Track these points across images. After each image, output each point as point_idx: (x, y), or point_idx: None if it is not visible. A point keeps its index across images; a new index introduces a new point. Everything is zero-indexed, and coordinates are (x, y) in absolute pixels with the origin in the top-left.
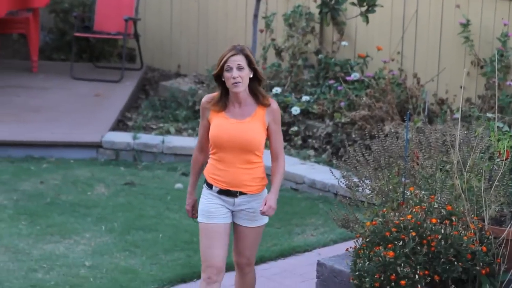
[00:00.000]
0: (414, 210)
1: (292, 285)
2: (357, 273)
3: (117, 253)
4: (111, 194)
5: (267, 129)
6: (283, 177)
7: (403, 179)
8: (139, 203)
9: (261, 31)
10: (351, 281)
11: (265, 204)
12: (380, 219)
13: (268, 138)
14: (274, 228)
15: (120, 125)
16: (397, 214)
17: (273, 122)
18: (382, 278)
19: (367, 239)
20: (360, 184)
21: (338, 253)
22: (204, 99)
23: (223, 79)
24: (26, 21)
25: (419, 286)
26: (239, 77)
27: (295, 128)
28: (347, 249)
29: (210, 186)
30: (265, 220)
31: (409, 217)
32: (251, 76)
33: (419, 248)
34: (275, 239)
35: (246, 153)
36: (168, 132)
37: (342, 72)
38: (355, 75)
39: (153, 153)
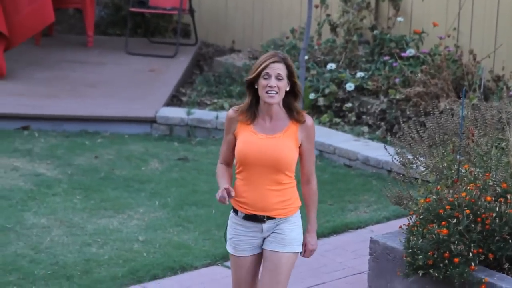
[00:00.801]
0: (468, 187)
1: (344, 262)
2: (410, 250)
3: (170, 228)
4: (164, 169)
5: (299, 148)
6: (317, 201)
7: (458, 157)
8: (192, 178)
9: (316, 6)
10: (404, 258)
11: (305, 248)
12: (434, 197)
13: (299, 157)
14: (326, 205)
15: (174, 100)
16: (451, 191)
17: (307, 141)
18: (435, 256)
19: (421, 217)
20: (414, 161)
21: (391, 230)
22: (230, 111)
23: (256, 87)
24: None
25: (472, 264)
26: (276, 87)
27: (349, 105)
28: (400, 227)
29: (236, 212)
30: (297, 248)
31: (463, 194)
32: (288, 89)
33: (473, 226)
34: (328, 216)
35: (275, 173)
36: (222, 108)
37: (397, 48)
38: (410, 51)
39: (207, 129)
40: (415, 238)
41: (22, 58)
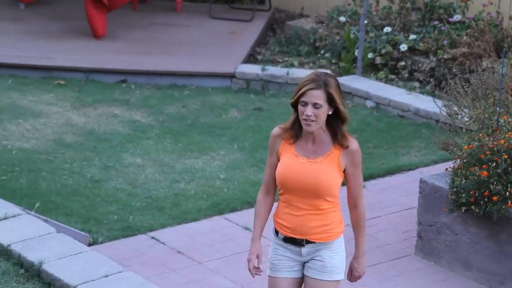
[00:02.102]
0: (507, 135)
1: (397, 199)
2: (454, 189)
3: (247, 168)
4: (242, 117)
5: (345, 172)
6: (365, 225)
7: (497, 109)
8: (266, 125)
9: None
10: (449, 196)
11: (351, 273)
12: (476, 143)
13: (346, 181)
14: (382, 150)
15: (251, 58)
16: (491, 139)
17: (351, 165)
18: (476, 195)
19: (464, 160)
20: (459, 113)
21: (438, 172)
22: (274, 129)
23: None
24: None
25: (509, 201)
26: (312, 115)
27: (402, 63)
28: (446, 169)
29: (277, 232)
30: (338, 276)
31: (502, 142)
32: (330, 113)
33: (510, 169)
34: (383, 159)
35: (315, 198)
36: (292, 65)
37: (445, 14)
38: (457, 17)
39: (279, 83)
40: (459, 179)
41: (120, 21)
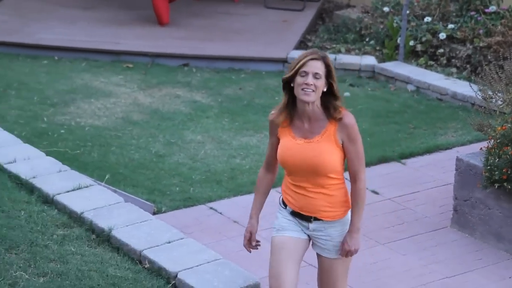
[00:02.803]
0: None
1: (434, 175)
2: (488, 167)
3: None
4: None
5: (343, 147)
6: (364, 206)
7: None
8: None
9: None
10: (483, 173)
11: (342, 247)
12: (509, 125)
13: (346, 156)
14: (422, 130)
15: (301, 45)
16: None
17: (348, 140)
18: (509, 172)
19: (498, 141)
20: (493, 96)
21: (473, 151)
22: (270, 115)
23: (292, 85)
24: None
25: None
26: (313, 85)
27: (441, 50)
28: (481, 148)
29: (285, 205)
30: None
31: None
32: (325, 89)
33: None
34: (422, 138)
35: (318, 177)
36: (339, 51)
37: (481, 5)
38: (492, 8)
39: None
40: (492, 158)
41: (183, 9)
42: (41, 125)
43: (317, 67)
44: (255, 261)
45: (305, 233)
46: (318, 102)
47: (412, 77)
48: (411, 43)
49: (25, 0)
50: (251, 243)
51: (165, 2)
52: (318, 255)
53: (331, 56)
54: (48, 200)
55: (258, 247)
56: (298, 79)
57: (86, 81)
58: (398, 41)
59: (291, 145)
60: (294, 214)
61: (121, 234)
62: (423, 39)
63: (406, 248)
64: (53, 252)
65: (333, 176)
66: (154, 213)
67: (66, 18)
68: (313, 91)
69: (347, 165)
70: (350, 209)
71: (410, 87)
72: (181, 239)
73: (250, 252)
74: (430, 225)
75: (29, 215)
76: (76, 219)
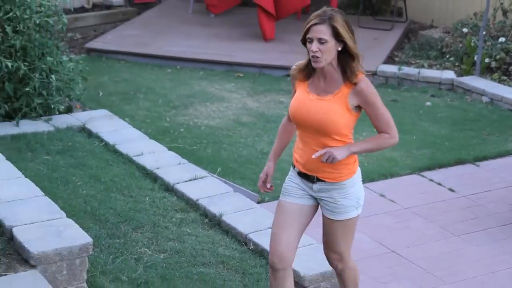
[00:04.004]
0: None
1: (505, 177)
2: None
3: None
4: None
5: (365, 110)
6: (378, 147)
7: None
8: (400, 113)
9: None
10: None
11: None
12: None
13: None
14: (494, 136)
15: (389, 59)
16: None
17: (365, 105)
18: None
19: None
20: None
21: None
22: (293, 67)
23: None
24: None
25: None
26: (318, 51)
27: None
28: None
29: (294, 165)
30: (352, 213)
31: None
32: (340, 49)
33: None
34: (494, 144)
35: (322, 136)
36: (422, 66)
37: None
38: None
39: (411, 80)
40: None
41: (287, 27)
42: (164, 124)
43: (321, 31)
44: None
45: (311, 196)
46: (334, 63)
47: (486, 90)
48: (487, 60)
49: (154, 17)
50: (265, 184)
51: (270, 20)
52: (323, 216)
53: (414, 71)
54: (169, 188)
55: (271, 190)
56: (307, 45)
57: (203, 88)
58: (475, 58)
59: (303, 99)
60: (300, 174)
61: (230, 219)
62: (497, 57)
63: (479, 240)
64: (172, 233)
65: (337, 138)
66: (258, 202)
67: (188, 33)
68: (320, 57)
69: (374, 127)
70: (354, 174)
71: (485, 99)
72: None
73: (263, 193)
74: (500, 220)
75: (153, 200)
76: (192, 205)
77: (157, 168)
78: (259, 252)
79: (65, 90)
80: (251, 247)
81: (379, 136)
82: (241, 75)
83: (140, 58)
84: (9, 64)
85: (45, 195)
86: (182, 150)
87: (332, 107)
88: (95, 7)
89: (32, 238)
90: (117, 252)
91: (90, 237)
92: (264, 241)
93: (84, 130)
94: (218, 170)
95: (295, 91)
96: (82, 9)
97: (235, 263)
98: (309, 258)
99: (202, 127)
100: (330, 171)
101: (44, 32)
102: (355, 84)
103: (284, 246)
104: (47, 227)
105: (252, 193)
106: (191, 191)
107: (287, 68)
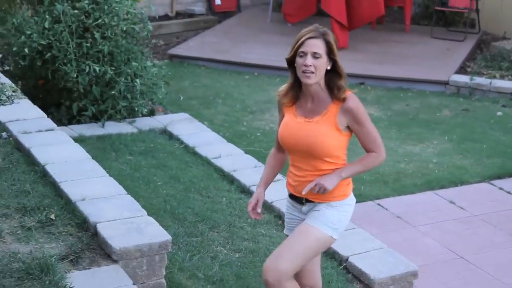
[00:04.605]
0: None
1: None
2: None
3: (454, 155)
4: (452, 116)
5: (352, 129)
6: (366, 169)
7: None
8: (471, 123)
9: None
10: None
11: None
12: None
13: (358, 138)
14: None
15: (461, 70)
16: None
17: (354, 123)
18: None
19: None
20: None
21: None
22: (278, 94)
23: (295, 65)
24: None
25: None
26: (312, 66)
27: None
28: None
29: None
30: (329, 230)
31: None
32: (329, 68)
33: None
34: None
35: (312, 158)
36: (494, 77)
37: None
38: None
39: (483, 90)
40: None
41: (361, 37)
42: (241, 128)
43: (316, 45)
44: (415, 251)
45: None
46: (322, 82)
47: None
48: None
49: (234, 25)
50: (255, 210)
51: (343, 30)
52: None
53: (486, 81)
54: (245, 190)
55: (260, 218)
56: (298, 60)
57: None
58: None
59: (291, 123)
60: (291, 197)
61: None
62: None
63: None
64: (247, 233)
65: (329, 160)
66: None
67: (265, 41)
68: (313, 72)
69: (361, 145)
70: (346, 197)
71: None
72: (353, 228)
73: (252, 218)
74: None
75: (229, 201)
76: (267, 206)
77: (234, 171)
78: (330, 254)
79: (148, 94)
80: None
81: (367, 156)
82: None
83: (219, 65)
84: (97, 69)
85: (128, 194)
86: (258, 154)
87: (321, 129)
88: (178, 15)
89: (114, 235)
90: (194, 250)
91: (169, 235)
92: (336, 243)
93: (165, 132)
94: None
95: (283, 116)
96: (166, 17)
97: None
98: (378, 261)
99: None
100: (321, 194)
101: (130, 39)
102: (344, 100)
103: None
104: (129, 224)
105: None
106: (266, 192)
107: (361, 76)
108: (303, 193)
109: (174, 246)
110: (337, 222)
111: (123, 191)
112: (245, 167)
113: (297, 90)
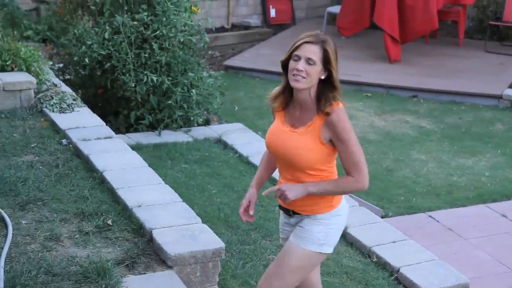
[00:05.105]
0: None
1: None
2: None
3: (507, 169)
4: (505, 129)
5: (336, 146)
6: (341, 189)
7: None
8: None
9: None
10: None
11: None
12: None
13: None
14: None
15: None
16: None
17: (336, 139)
18: None
19: None
20: None
21: None
22: (269, 96)
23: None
24: (457, 13)
25: None
26: (304, 71)
27: None
28: None
29: None
30: (313, 247)
31: None
32: (323, 77)
33: None
34: None
35: (295, 170)
36: None
37: None
38: None
39: None
40: None
41: (414, 50)
42: None
43: (312, 51)
44: (466, 263)
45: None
46: (313, 91)
47: None
48: None
49: (289, 38)
50: (248, 211)
51: (395, 43)
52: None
53: None
54: None
55: (253, 219)
56: (291, 63)
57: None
58: None
59: (277, 130)
60: (280, 208)
61: (355, 231)
62: None
63: None
64: None
65: (311, 173)
66: (382, 217)
67: None
68: (304, 77)
69: (342, 166)
70: (334, 209)
71: None
72: (404, 240)
73: (244, 221)
74: None
75: None
76: None
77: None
78: (382, 265)
79: (204, 104)
80: (374, 259)
81: (343, 178)
82: (369, 94)
83: (274, 76)
84: (154, 79)
85: (183, 201)
86: None
87: (303, 141)
88: (234, 27)
89: (169, 241)
90: (247, 257)
91: (223, 242)
92: (387, 254)
93: (220, 142)
94: None
95: (274, 119)
96: (222, 29)
97: (358, 274)
98: (430, 273)
99: None
100: (305, 205)
101: (187, 50)
102: (327, 114)
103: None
104: (184, 231)
105: (376, 207)
106: None
107: (413, 90)
108: (263, 193)
109: (228, 254)
110: (324, 238)
111: (178, 198)
112: None
113: (288, 95)
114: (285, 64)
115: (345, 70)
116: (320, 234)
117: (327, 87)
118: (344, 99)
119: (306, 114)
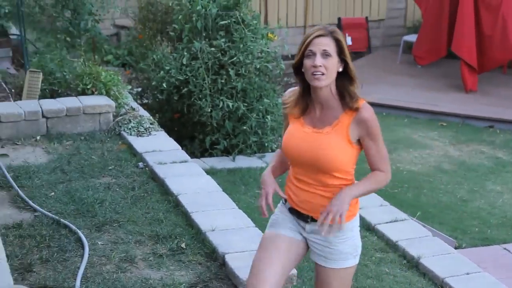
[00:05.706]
0: None
1: None
2: None
3: None
4: None
5: (362, 143)
6: (376, 187)
7: None
8: None
9: None
10: None
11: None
12: None
13: (365, 152)
14: None
15: None
16: None
17: (367, 136)
18: None
19: None
20: None
21: None
22: (284, 95)
23: (303, 70)
24: None
25: None
26: (322, 66)
27: None
28: None
29: (285, 200)
30: (349, 262)
31: None
32: (341, 70)
33: None
34: None
35: (320, 173)
36: None
37: None
38: None
39: None
40: None
41: (491, 80)
42: (366, 166)
43: (325, 43)
44: None
45: (301, 235)
46: (333, 86)
47: None
48: None
49: (365, 66)
50: (265, 210)
51: (472, 73)
52: (315, 264)
53: None
54: (370, 228)
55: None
56: (306, 62)
57: (407, 134)
58: None
59: (297, 132)
60: (292, 211)
61: (428, 262)
62: None
63: None
64: (371, 271)
65: (338, 175)
66: (455, 248)
67: (394, 82)
68: (323, 73)
69: (368, 162)
70: (356, 217)
71: None
72: (478, 272)
73: (265, 216)
74: None
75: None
76: (391, 246)
77: (360, 209)
78: None
79: (278, 130)
80: None
81: (375, 174)
82: (444, 124)
83: None
84: (230, 104)
85: (256, 226)
86: (384, 193)
87: (331, 142)
88: None
89: (242, 266)
90: None
91: (295, 268)
92: (460, 286)
93: None
94: (418, 214)
95: (287, 124)
96: None
97: None
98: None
99: (404, 171)
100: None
101: (263, 76)
102: (357, 110)
103: (267, 286)
104: None
105: (450, 238)
106: (391, 232)
107: (490, 120)
108: (318, 227)
109: (299, 280)
110: (354, 250)
111: (252, 223)
112: (371, 206)
113: (307, 100)
114: (297, 68)
115: (420, 99)
116: (350, 249)
117: (345, 80)
118: (419, 128)
119: (329, 113)
